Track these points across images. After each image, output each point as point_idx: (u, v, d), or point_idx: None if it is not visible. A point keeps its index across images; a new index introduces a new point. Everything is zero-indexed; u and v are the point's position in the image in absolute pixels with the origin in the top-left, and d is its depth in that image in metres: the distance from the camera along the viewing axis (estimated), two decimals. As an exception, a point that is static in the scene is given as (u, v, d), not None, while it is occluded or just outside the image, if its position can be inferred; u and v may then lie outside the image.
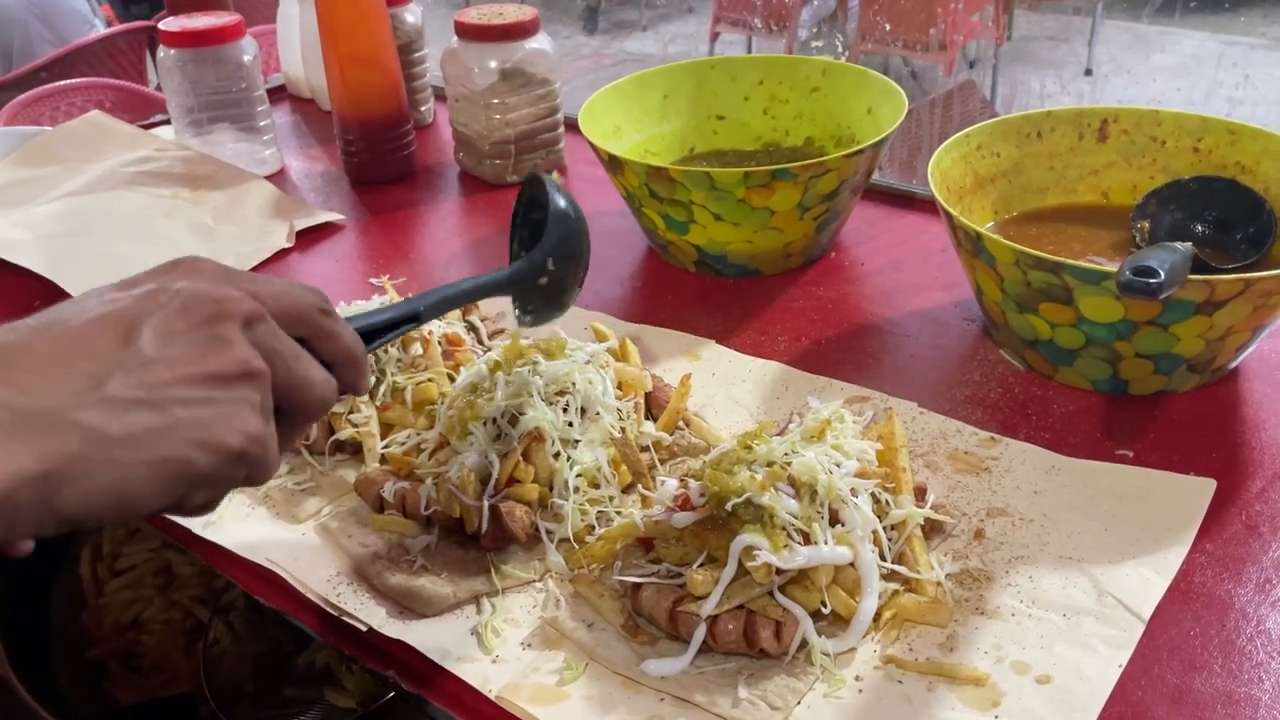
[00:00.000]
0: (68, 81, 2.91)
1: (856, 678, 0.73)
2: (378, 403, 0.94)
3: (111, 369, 0.50)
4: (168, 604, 1.29)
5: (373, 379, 0.94)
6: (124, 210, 1.40)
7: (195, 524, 0.89)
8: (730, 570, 0.73)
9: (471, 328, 1.06)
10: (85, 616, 1.29)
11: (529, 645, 0.77)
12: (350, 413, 0.93)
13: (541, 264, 0.84)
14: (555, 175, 0.85)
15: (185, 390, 0.52)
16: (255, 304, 0.56)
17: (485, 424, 0.85)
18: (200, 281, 0.56)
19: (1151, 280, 0.82)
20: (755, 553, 0.71)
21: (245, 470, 0.55)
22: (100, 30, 3.70)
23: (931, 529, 0.83)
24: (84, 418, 0.49)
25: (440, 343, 0.99)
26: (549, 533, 0.84)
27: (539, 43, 1.47)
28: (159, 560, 1.33)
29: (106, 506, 0.50)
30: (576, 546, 0.83)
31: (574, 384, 0.87)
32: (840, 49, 5.30)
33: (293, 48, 1.87)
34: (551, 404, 0.86)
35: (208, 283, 0.56)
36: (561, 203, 0.85)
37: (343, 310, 0.77)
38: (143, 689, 1.25)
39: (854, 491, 0.76)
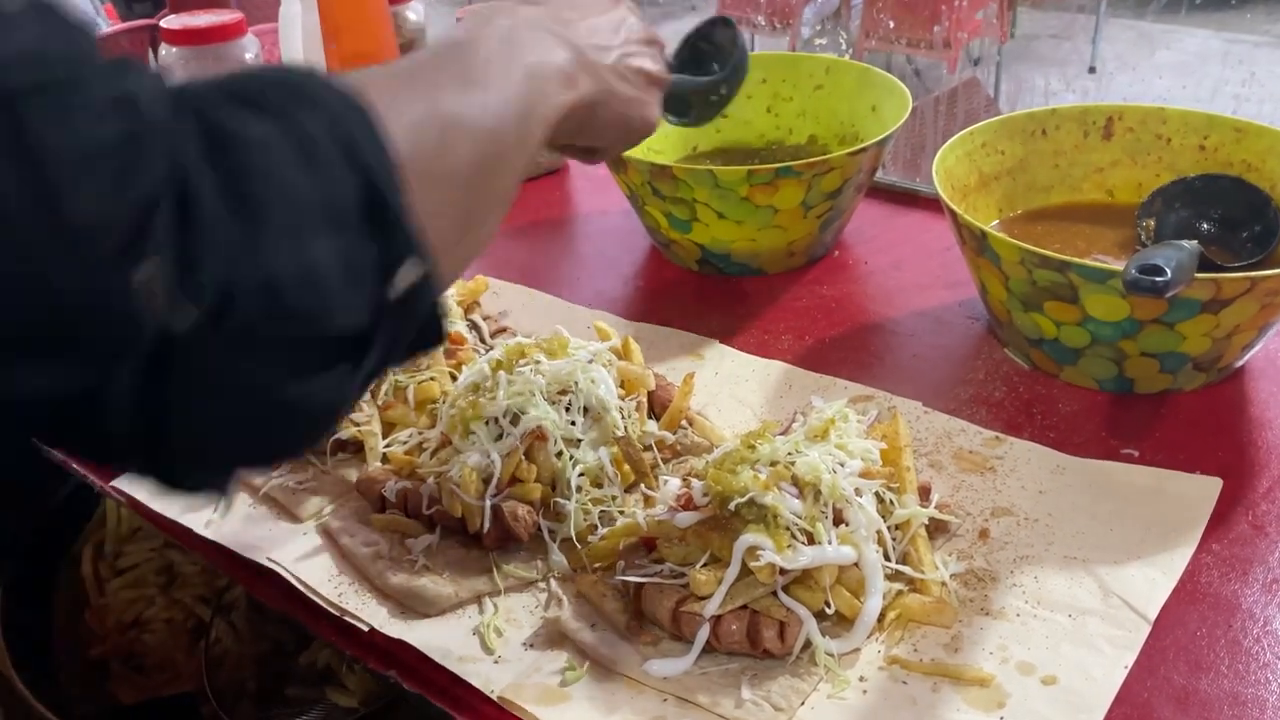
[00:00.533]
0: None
1: (861, 678, 0.72)
2: (379, 401, 0.94)
3: (615, 52, 0.79)
4: (169, 603, 1.29)
5: (375, 378, 0.94)
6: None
7: (197, 523, 0.89)
8: (734, 570, 0.72)
9: (474, 326, 1.06)
10: (87, 615, 1.28)
11: (531, 645, 0.76)
12: (352, 411, 0.93)
13: (724, 82, 1.03)
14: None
15: (638, 81, 0.81)
16: (661, 40, 0.87)
17: (487, 423, 0.85)
18: (637, 20, 0.84)
19: (1158, 279, 0.81)
20: (759, 553, 0.71)
21: (643, 137, 0.85)
22: (103, 29, 3.70)
23: (936, 529, 0.83)
24: (606, 75, 0.77)
25: (442, 341, 0.98)
26: (551, 532, 0.83)
27: None
28: (161, 559, 1.32)
29: (597, 132, 0.79)
30: (579, 546, 0.83)
31: (576, 383, 0.87)
32: (844, 46, 5.29)
33: (294, 46, 1.86)
34: (554, 403, 0.86)
35: (640, 21, 0.85)
36: (743, 45, 1.05)
37: None
38: (144, 688, 1.25)
39: (858, 491, 0.76)
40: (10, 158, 0.37)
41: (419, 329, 0.54)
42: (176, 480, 0.50)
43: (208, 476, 0.52)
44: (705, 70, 1.05)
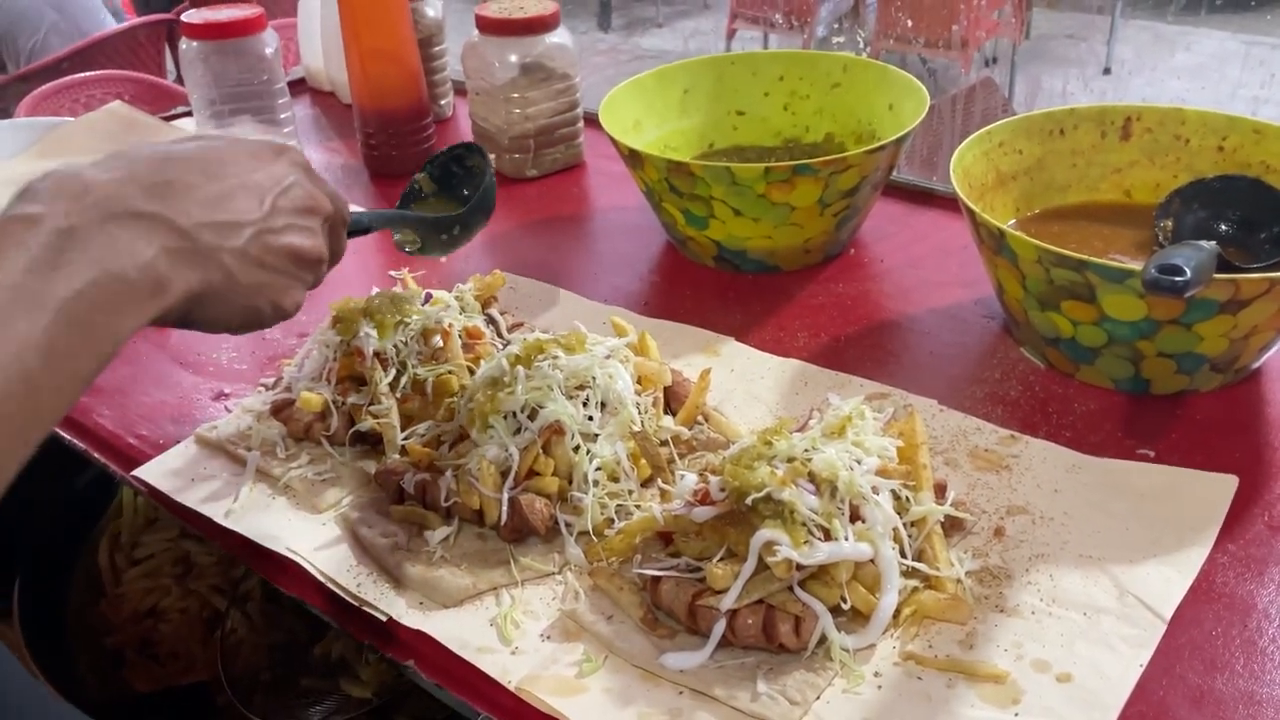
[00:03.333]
0: (88, 74, 2.92)
1: (876, 674, 0.72)
2: (398, 395, 0.94)
3: (247, 231, 0.67)
4: (185, 593, 1.30)
5: (393, 371, 0.95)
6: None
7: (216, 513, 0.90)
8: (750, 565, 0.72)
9: (491, 321, 1.06)
10: (103, 605, 1.29)
11: (548, 637, 0.77)
12: (371, 404, 0.94)
13: (459, 221, 1.02)
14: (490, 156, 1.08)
15: (282, 263, 0.70)
16: (331, 207, 0.76)
17: (505, 417, 0.85)
18: (306, 179, 0.74)
19: (1178, 279, 0.81)
20: (775, 548, 0.71)
21: (277, 322, 0.74)
22: (111, 22, 3.72)
23: (951, 526, 0.83)
24: (228, 261, 0.66)
25: (460, 336, 0.99)
26: (568, 525, 0.84)
27: (559, 37, 1.47)
28: (177, 550, 1.33)
29: (210, 322, 0.68)
30: (595, 539, 0.83)
31: (594, 378, 0.87)
32: (861, 45, 5.28)
33: (313, 41, 1.87)
34: (571, 398, 0.86)
35: (309, 180, 0.74)
36: (492, 181, 1.04)
37: None
38: (160, 677, 1.25)
39: (875, 488, 0.76)
40: None
41: None
42: None
43: None
44: (454, 193, 1.05)
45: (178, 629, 1.27)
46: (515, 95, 1.46)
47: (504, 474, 0.84)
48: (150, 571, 1.31)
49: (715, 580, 0.73)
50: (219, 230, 0.65)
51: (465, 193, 1.06)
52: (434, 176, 1.09)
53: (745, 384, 1.03)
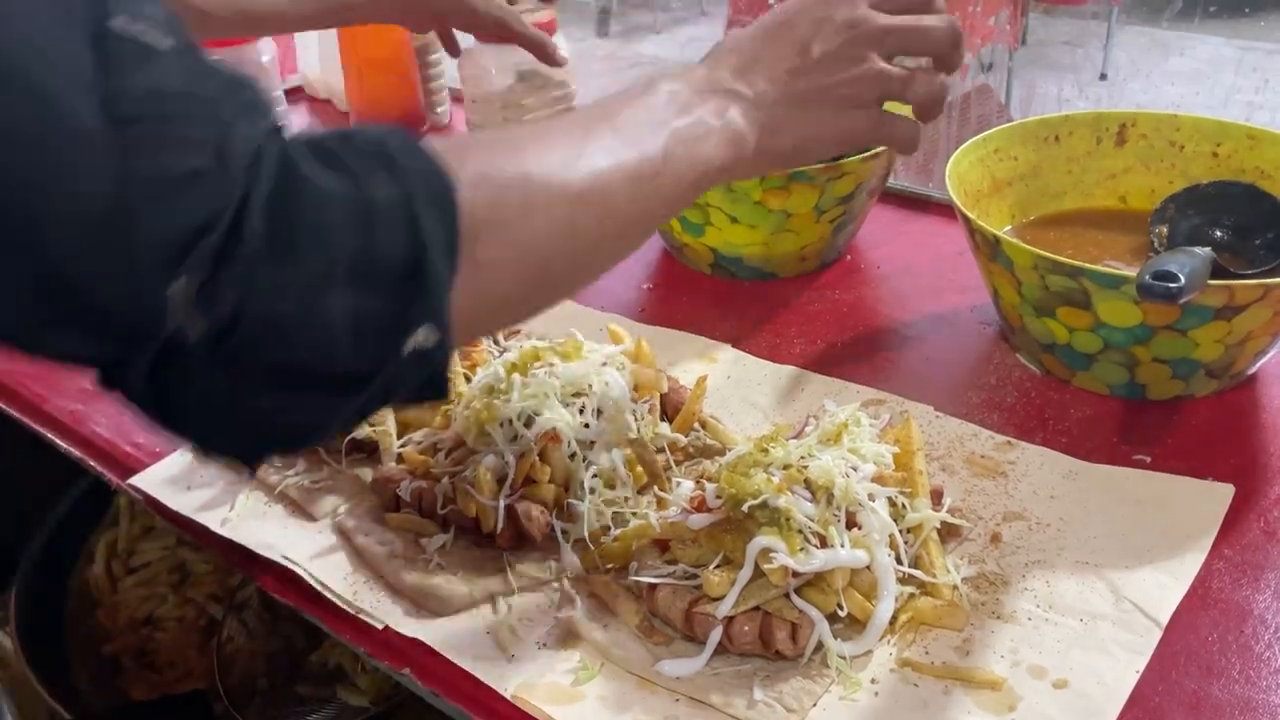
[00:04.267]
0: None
1: (872, 680, 0.72)
2: (394, 402, 0.94)
3: (800, 83, 0.75)
4: (182, 601, 1.30)
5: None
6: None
7: (212, 521, 0.90)
8: (746, 572, 0.72)
9: (487, 328, 1.06)
10: (100, 613, 1.29)
11: (544, 645, 0.77)
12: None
13: None
14: None
15: (830, 97, 0.75)
16: (882, 24, 0.77)
17: (502, 425, 0.85)
18: (859, 13, 0.76)
19: (1172, 284, 0.81)
20: (772, 555, 0.71)
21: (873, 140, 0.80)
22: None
23: (948, 533, 0.83)
24: (780, 112, 0.74)
25: (457, 343, 0.99)
26: (564, 533, 0.84)
27: (556, 44, 1.47)
28: (173, 558, 1.33)
29: (784, 157, 0.77)
30: (592, 547, 0.83)
31: (590, 385, 0.87)
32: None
33: (310, 49, 1.87)
34: (568, 405, 0.86)
35: (859, 12, 0.76)
36: None
37: None
38: (156, 685, 1.26)
39: (871, 496, 0.76)
40: (108, 178, 0.45)
41: (422, 383, 0.57)
42: (199, 446, 0.58)
43: (219, 450, 0.61)
44: None
45: (174, 637, 1.28)
46: (512, 103, 1.46)
47: (500, 482, 0.84)
48: (147, 580, 1.31)
49: (712, 587, 0.73)
50: (779, 88, 0.74)
51: None
52: None
53: (741, 391, 1.03)
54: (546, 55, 1.30)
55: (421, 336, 0.54)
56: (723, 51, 0.76)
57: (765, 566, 0.72)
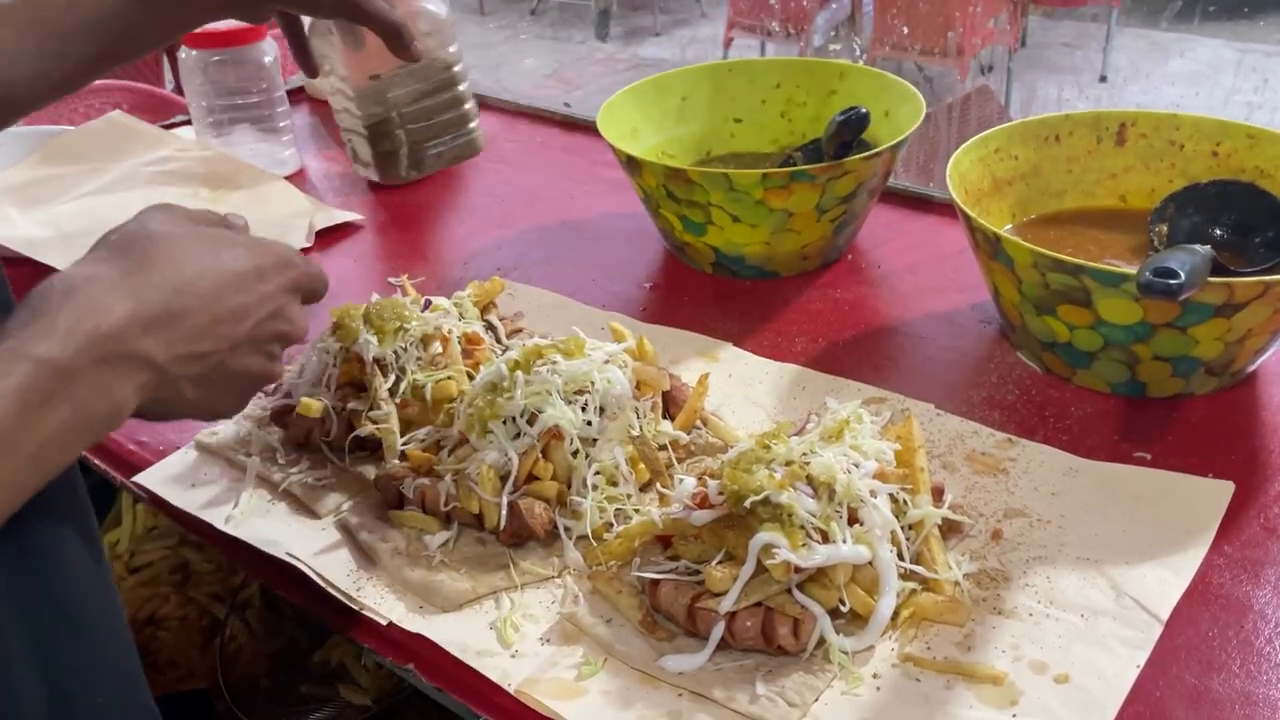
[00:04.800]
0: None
1: (874, 675, 0.73)
2: (397, 400, 0.95)
3: (213, 359, 0.69)
4: (184, 601, 1.30)
5: (393, 377, 0.95)
6: (145, 209, 1.40)
7: (216, 519, 0.90)
8: (749, 567, 0.73)
9: (490, 327, 1.07)
10: (103, 612, 1.29)
11: (548, 640, 0.77)
12: (370, 410, 0.94)
13: None
14: None
15: (235, 384, 0.73)
16: (302, 332, 0.76)
17: (505, 422, 0.86)
18: (292, 301, 0.75)
19: (1172, 281, 0.82)
20: (774, 550, 0.72)
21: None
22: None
23: (949, 529, 0.83)
24: (183, 387, 0.68)
25: (459, 342, 0.99)
26: (567, 529, 0.84)
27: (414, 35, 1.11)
28: (176, 557, 1.33)
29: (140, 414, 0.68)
30: (595, 543, 0.83)
31: (593, 383, 0.88)
32: (858, 53, 5.29)
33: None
34: (570, 403, 0.87)
35: (293, 303, 0.75)
36: None
37: None
38: (159, 684, 1.25)
39: (873, 492, 0.77)
40: None
41: None
42: None
43: None
44: None
45: (177, 637, 1.28)
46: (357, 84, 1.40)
47: (503, 479, 0.84)
48: (149, 579, 1.31)
49: (714, 583, 0.73)
50: (191, 360, 0.68)
51: None
52: None
53: (743, 389, 1.04)
54: (400, 46, 1.07)
55: None
56: (137, 281, 0.66)
57: (767, 562, 0.72)
